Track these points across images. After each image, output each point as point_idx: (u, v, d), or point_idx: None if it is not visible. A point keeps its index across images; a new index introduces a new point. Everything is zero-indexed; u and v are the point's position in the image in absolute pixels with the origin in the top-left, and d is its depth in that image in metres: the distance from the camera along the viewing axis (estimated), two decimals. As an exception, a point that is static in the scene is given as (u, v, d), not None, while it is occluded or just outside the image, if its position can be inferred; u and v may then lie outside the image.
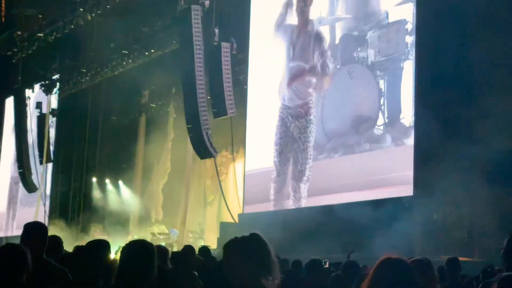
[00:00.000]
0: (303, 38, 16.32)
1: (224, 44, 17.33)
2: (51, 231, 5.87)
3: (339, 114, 15.32)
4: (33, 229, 4.97)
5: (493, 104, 11.80)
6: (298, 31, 16.51)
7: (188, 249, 7.83)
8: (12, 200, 28.28)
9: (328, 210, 14.43)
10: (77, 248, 5.38)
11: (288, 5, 16.75)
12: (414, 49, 13.51)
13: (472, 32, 12.98)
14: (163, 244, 19.02)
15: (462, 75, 13.03)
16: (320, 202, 15.08)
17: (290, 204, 16.04)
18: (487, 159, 11.38)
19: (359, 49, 14.79)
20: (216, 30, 17.46)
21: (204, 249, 9.59)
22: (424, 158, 13.10)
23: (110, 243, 4.76)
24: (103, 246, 4.58)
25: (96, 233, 22.35)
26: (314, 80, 15.98)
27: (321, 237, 13.43)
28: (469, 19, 13.01)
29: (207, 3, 17.45)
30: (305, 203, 15.71)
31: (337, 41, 15.46)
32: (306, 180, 15.74)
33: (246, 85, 18.08)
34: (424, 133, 12.88)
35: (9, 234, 27.39)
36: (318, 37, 15.93)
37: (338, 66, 15.36)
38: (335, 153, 15.20)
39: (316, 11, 16.04)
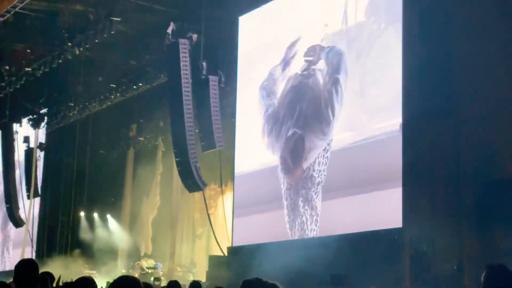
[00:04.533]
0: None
1: (212, 77, 17.39)
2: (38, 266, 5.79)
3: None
4: (23, 269, 4.94)
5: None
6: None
7: (174, 285, 7.66)
8: (4, 234, 28.09)
9: (318, 242, 14.33)
10: (66, 285, 5.36)
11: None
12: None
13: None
14: (152, 278, 18.97)
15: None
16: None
17: (308, 234, 15.31)
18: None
19: None
20: (204, 64, 17.52)
21: (195, 284, 9.40)
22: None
23: (99, 278, 4.78)
24: (88, 283, 4.58)
25: (85, 268, 22.16)
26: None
27: (309, 270, 13.35)
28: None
29: (194, 36, 17.53)
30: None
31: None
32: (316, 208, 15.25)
33: (234, 118, 18.10)
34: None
35: (1, 269, 27.24)
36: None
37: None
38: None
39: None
